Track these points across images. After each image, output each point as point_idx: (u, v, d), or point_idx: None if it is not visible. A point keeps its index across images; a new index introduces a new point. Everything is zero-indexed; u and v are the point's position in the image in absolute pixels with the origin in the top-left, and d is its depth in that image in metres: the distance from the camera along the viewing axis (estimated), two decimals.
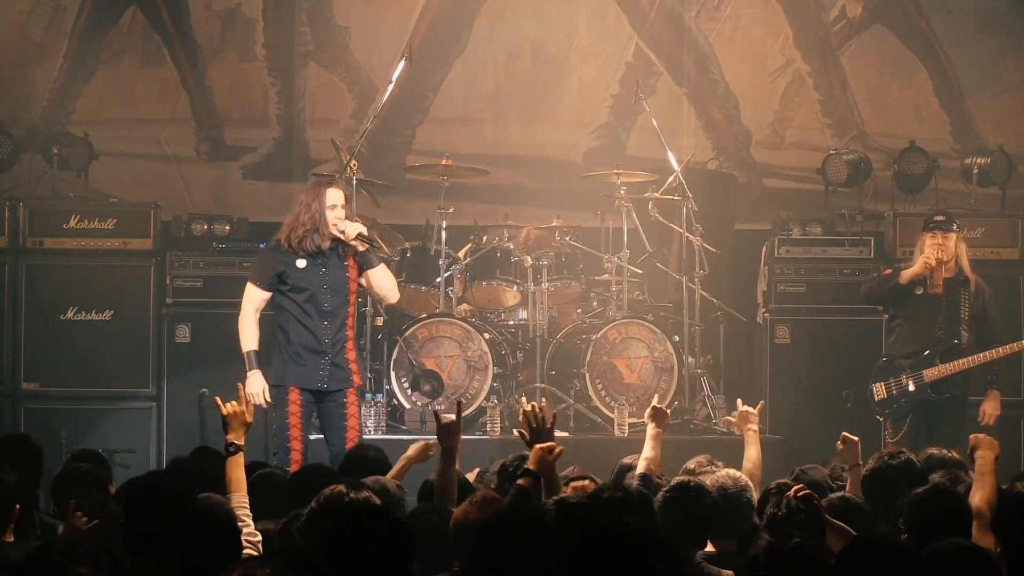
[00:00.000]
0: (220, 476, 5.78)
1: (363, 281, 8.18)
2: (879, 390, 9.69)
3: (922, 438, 9.19)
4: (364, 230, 8.04)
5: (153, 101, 11.87)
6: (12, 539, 5.27)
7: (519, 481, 5.60)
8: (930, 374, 9.56)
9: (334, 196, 7.96)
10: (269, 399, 7.97)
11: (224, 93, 11.93)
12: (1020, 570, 4.41)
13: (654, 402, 7.00)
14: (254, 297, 8.13)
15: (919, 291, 9.66)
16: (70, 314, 10.65)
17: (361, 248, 8.01)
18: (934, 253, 9.52)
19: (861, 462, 6.62)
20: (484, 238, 10.44)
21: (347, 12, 11.98)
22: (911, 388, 9.59)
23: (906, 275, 9.62)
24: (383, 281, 8.19)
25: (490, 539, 4.31)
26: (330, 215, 7.94)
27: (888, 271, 9.83)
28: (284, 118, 11.93)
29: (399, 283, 10.12)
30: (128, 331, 10.64)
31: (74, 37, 11.73)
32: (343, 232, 7.94)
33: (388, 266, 10.14)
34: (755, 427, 7.02)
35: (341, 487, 5.06)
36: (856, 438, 6.80)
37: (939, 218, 9.73)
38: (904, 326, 9.76)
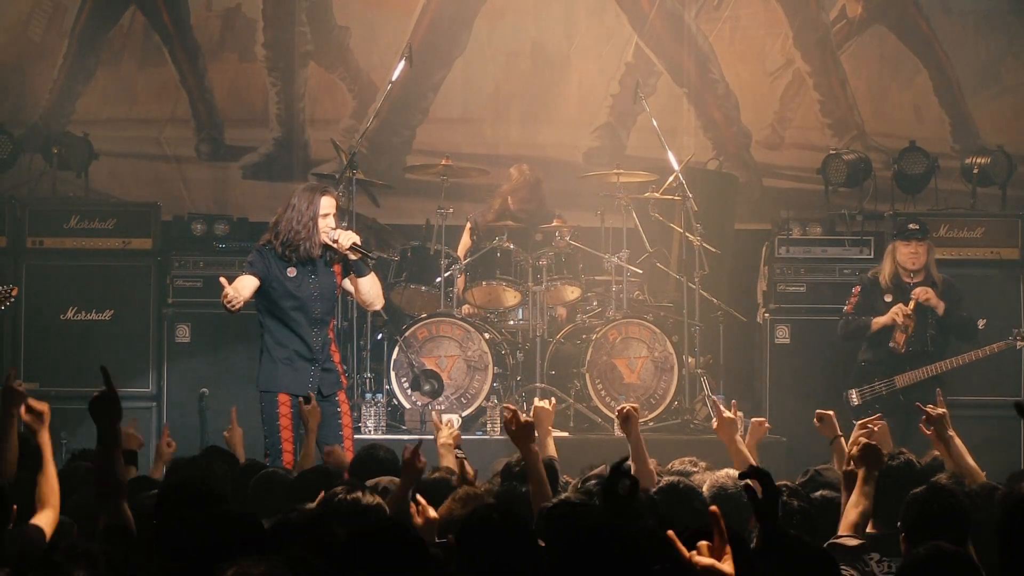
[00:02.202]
0: (226, 477, 5.77)
1: (348, 287, 8.15)
2: (854, 396, 9.81)
3: (896, 441, 9.20)
4: (358, 240, 8.01)
5: (153, 101, 11.87)
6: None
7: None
8: (901, 380, 9.73)
9: (327, 205, 7.96)
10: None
11: (224, 93, 11.93)
12: (1020, 572, 4.40)
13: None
14: (247, 278, 7.96)
15: (888, 298, 9.77)
16: (70, 314, 10.65)
17: (354, 258, 7.98)
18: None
19: (841, 433, 6.64)
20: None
21: (347, 12, 11.97)
22: (884, 394, 9.73)
23: (877, 324, 9.86)
24: (371, 289, 8.18)
25: (472, 533, 4.31)
26: (321, 223, 7.93)
27: (863, 317, 9.94)
28: (284, 118, 11.93)
29: (399, 283, 10.16)
30: (128, 331, 10.65)
31: (74, 37, 11.73)
32: (336, 241, 7.91)
33: (388, 266, 10.20)
34: (738, 435, 6.78)
35: (343, 489, 5.06)
36: (831, 412, 6.80)
37: (913, 226, 9.82)
38: (876, 333, 9.84)
